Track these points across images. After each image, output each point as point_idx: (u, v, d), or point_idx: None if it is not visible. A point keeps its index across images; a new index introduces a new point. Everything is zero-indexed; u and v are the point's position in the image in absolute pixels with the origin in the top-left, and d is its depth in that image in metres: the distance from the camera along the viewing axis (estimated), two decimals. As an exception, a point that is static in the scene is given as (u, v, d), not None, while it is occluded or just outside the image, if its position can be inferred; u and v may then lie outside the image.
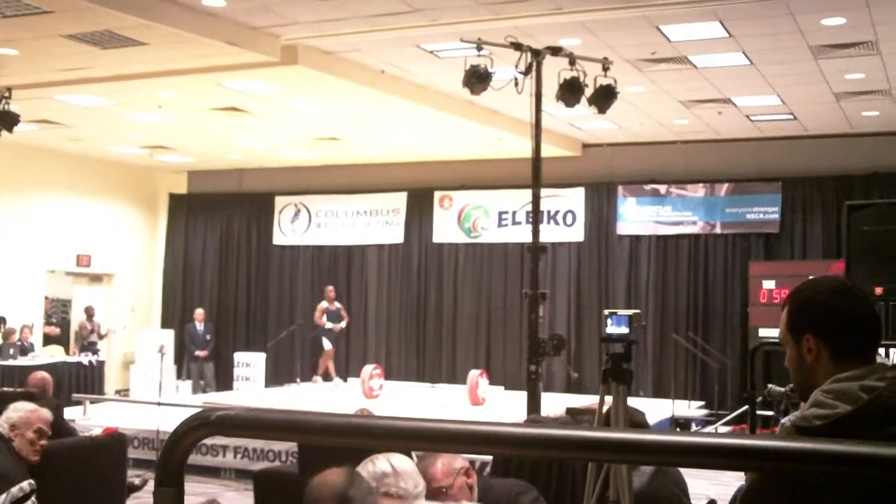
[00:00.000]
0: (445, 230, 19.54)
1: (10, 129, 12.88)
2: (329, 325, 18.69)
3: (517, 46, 9.46)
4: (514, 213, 18.87)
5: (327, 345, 18.77)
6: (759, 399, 8.26)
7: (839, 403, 2.27)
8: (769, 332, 14.57)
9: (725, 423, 15.19)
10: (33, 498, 5.65)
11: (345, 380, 18.93)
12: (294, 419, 1.55)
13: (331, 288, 19.03)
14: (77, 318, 20.47)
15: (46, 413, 6.33)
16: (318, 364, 19.03)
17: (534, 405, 9.29)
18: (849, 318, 2.47)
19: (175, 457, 1.51)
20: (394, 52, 12.29)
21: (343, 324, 19.04)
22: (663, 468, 4.58)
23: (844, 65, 12.30)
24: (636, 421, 4.80)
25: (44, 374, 10.27)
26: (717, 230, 17.49)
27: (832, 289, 2.54)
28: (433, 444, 1.52)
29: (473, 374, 16.06)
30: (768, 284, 15.84)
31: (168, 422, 11.78)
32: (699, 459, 1.35)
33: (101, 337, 19.61)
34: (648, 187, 17.97)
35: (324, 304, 18.81)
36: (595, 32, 11.08)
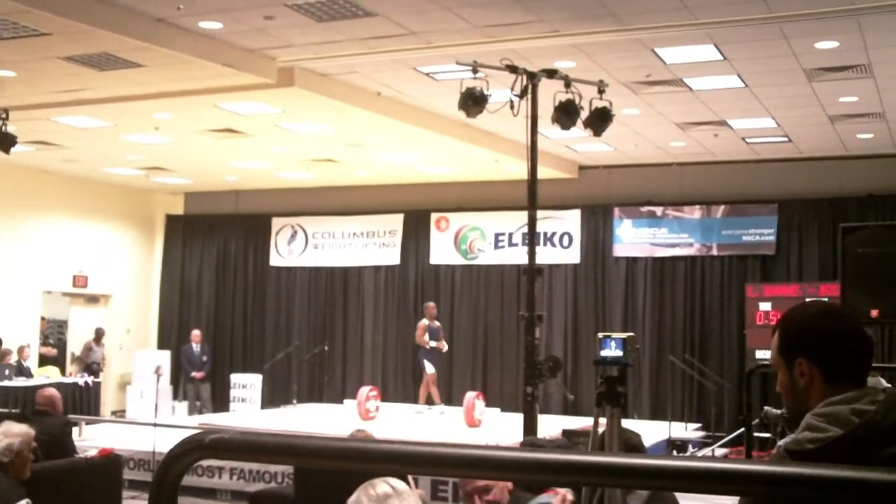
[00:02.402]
0: (442, 252, 19.55)
1: (7, 151, 12.89)
2: (433, 343, 17.42)
3: (513, 69, 9.49)
4: (510, 234, 18.89)
5: (430, 368, 17.46)
6: (756, 421, 8.25)
7: (831, 427, 2.28)
8: (766, 354, 14.48)
9: (722, 446, 15.17)
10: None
11: (427, 403, 17.73)
12: (288, 442, 1.55)
13: (432, 304, 17.94)
14: (74, 338, 20.46)
15: (30, 430, 6.33)
16: (420, 392, 17.73)
17: (530, 427, 9.28)
18: (840, 341, 2.48)
19: (169, 479, 1.52)
20: (390, 75, 12.33)
21: (444, 345, 17.75)
22: (659, 491, 4.57)
23: (838, 88, 12.35)
24: (632, 444, 4.79)
25: (52, 391, 10.28)
26: (714, 252, 17.51)
27: (823, 312, 2.55)
28: (430, 468, 1.52)
29: (470, 395, 16.03)
30: (765, 306, 15.85)
31: (164, 443, 11.76)
32: (691, 484, 1.36)
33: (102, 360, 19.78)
34: (645, 209, 17.99)
35: (425, 322, 17.61)
36: (590, 55, 11.13)
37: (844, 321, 2.52)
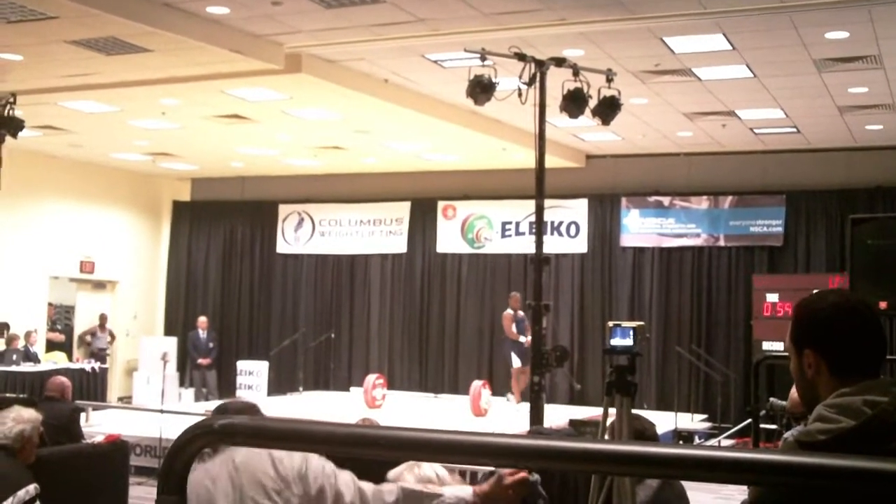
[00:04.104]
0: (449, 240, 19.54)
1: (14, 135, 12.89)
2: (522, 338, 16.15)
3: (521, 57, 9.47)
4: (517, 223, 18.86)
5: (516, 361, 16.65)
6: (762, 412, 8.24)
7: (842, 418, 2.26)
8: (773, 346, 14.57)
9: (728, 436, 15.17)
10: (38, 503, 5.67)
11: (510, 398, 16.97)
12: (297, 428, 1.54)
13: (517, 294, 16.80)
14: (81, 324, 20.49)
15: (39, 415, 6.35)
16: (511, 385, 16.95)
17: (537, 416, 9.27)
18: (849, 334, 2.46)
19: (177, 465, 1.51)
20: (398, 62, 12.31)
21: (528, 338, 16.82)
22: (669, 481, 4.55)
23: (848, 78, 12.30)
24: (648, 434, 4.77)
25: (63, 379, 10.34)
26: (721, 243, 17.48)
27: (835, 304, 2.52)
28: (437, 455, 1.51)
29: (476, 384, 16.04)
30: (772, 297, 15.81)
31: (170, 429, 11.78)
32: (702, 473, 1.34)
33: (111, 338, 19.85)
34: (652, 199, 17.96)
35: (510, 312, 16.82)
36: (599, 44, 11.09)
37: (856, 313, 2.49)
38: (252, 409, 3.73)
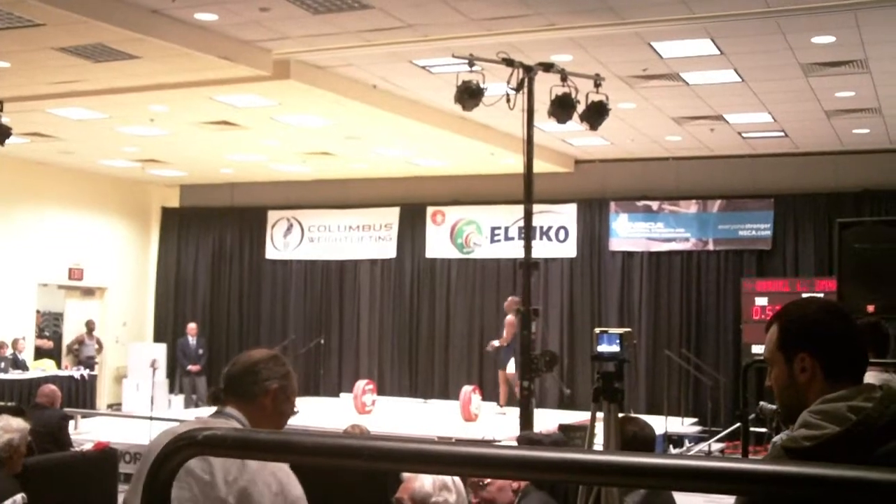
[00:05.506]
0: (438, 245, 19.53)
1: (1, 143, 12.86)
2: (496, 342, 16.31)
3: (509, 62, 9.47)
4: (506, 228, 18.86)
5: (511, 367, 15.90)
6: (752, 416, 8.25)
7: (827, 424, 2.26)
8: (762, 349, 14.54)
9: (718, 440, 15.17)
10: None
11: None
12: (283, 440, 1.53)
13: (516, 299, 15.05)
14: (69, 331, 20.42)
15: (27, 424, 6.34)
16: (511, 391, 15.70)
17: (526, 422, 9.26)
18: (843, 337, 2.48)
19: (161, 477, 1.50)
20: (386, 68, 12.30)
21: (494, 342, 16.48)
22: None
23: (835, 83, 12.34)
24: (643, 436, 4.76)
25: (53, 387, 10.35)
26: (710, 247, 17.50)
27: (824, 308, 2.55)
28: (425, 467, 1.50)
29: (466, 389, 16.02)
30: (761, 301, 15.84)
31: (159, 437, 11.73)
32: (689, 483, 1.34)
33: (99, 346, 19.76)
34: (641, 203, 17.98)
35: (510, 318, 15.89)
36: (587, 49, 11.10)
37: (845, 318, 2.52)
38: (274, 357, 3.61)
